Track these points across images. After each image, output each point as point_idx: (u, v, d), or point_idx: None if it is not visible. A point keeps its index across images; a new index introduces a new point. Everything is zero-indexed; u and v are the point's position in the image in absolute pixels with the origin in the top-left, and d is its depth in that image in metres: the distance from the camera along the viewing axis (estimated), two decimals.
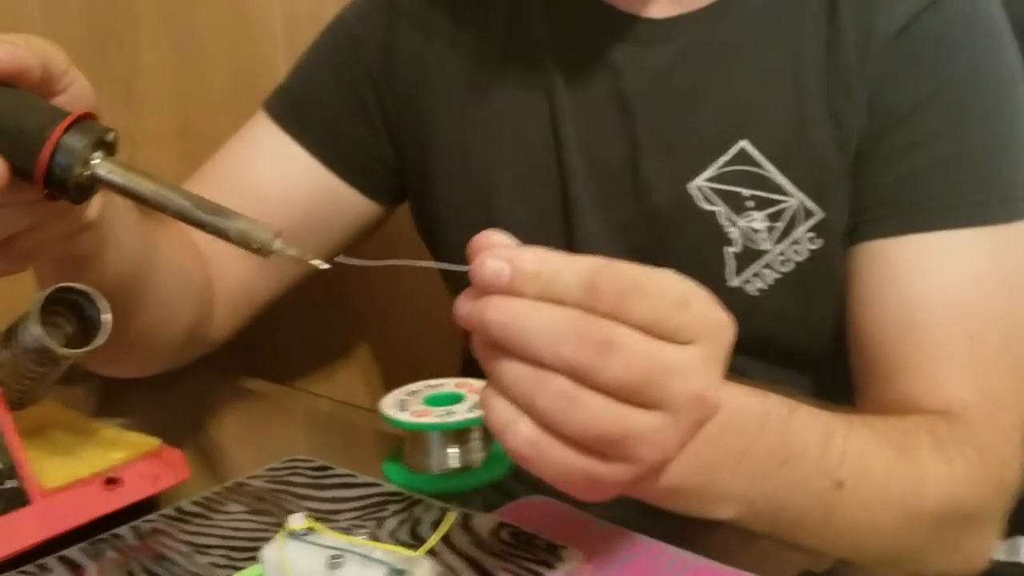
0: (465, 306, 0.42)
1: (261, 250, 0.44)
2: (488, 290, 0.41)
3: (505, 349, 0.41)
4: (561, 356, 0.40)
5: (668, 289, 0.41)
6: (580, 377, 0.40)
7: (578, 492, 0.44)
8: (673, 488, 0.47)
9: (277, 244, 0.44)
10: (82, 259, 0.56)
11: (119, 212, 0.58)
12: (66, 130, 0.44)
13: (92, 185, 0.46)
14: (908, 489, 0.56)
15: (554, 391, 0.40)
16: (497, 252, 0.41)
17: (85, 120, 0.45)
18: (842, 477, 0.53)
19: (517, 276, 0.40)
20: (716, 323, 0.42)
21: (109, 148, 0.46)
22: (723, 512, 0.51)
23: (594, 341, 0.40)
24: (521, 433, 0.41)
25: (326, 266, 0.45)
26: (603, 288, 0.40)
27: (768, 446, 0.50)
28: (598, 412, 0.40)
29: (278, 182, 0.79)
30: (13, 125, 0.44)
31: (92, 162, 0.44)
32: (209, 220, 0.45)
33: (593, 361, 0.40)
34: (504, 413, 0.41)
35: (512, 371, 0.41)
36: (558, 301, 0.40)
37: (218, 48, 0.99)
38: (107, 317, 0.54)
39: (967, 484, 0.59)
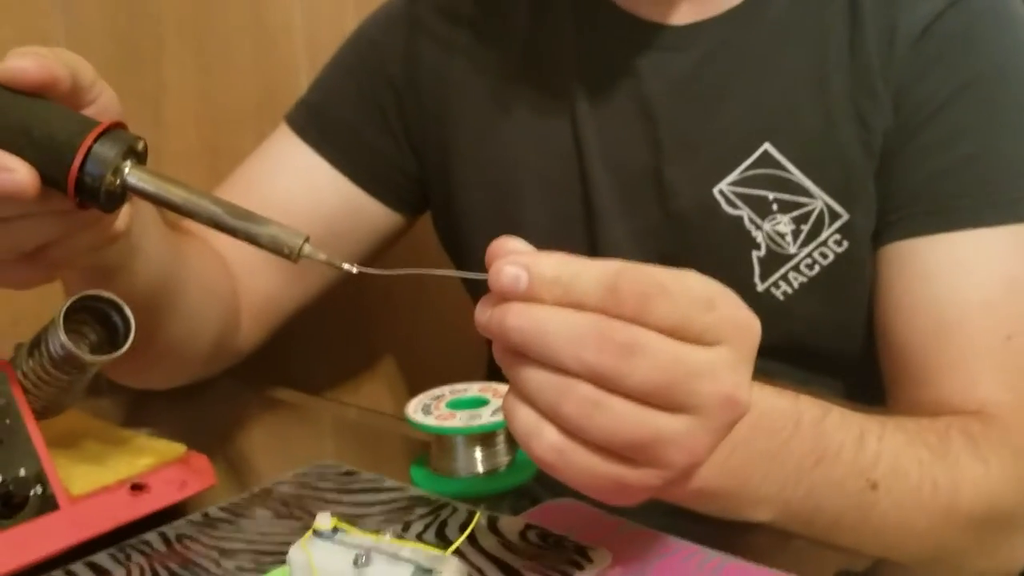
0: (484, 314, 0.41)
1: (291, 255, 0.44)
2: (507, 297, 0.40)
3: (527, 356, 0.40)
4: (584, 362, 0.39)
5: (692, 290, 0.40)
6: (604, 382, 0.39)
7: (606, 497, 0.43)
8: (706, 491, 0.46)
9: (307, 249, 0.44)
10: (110, 270, 0.57)
11: (147, 224, 0.58)
12: (96, 139, 0.44)
13: (123, 193, 0.46)
14: (943, 490, 0.55)
15: (578, 397, 0.39)
16: (514, 258, 0.40)
17: (115, 129, 0.45)
18: (877, 478, 0.53)
19: (535, 282, 0.40)
20: (743, 323, 0.41)
21: (139, 157, 0.46)
22: (758, 514, 0.50)
23: (617, 345, 0.39)
24: (546, 441, 0.40)
25: (355, 270, 0.45)
26: (624, 290, 0.39)
27: (801, 447, 0.49)
28: (625, 417, 0.39)
29: (301, 195, 0.80)
30: (44, 135, 0.44)
31: (123, 170, 0.45)
32: (240, 226, 0.45)
33: (617, 366, 0.39)
34: (528, 421, 0.41)
35: (535, 378, 0.40)
36: (578, 306, 0.40)
37: (242, 67, 1.00)
38: (132, 324, 0.54)
39: (1003, 485, 0.58)
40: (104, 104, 0.49)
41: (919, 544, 0.56)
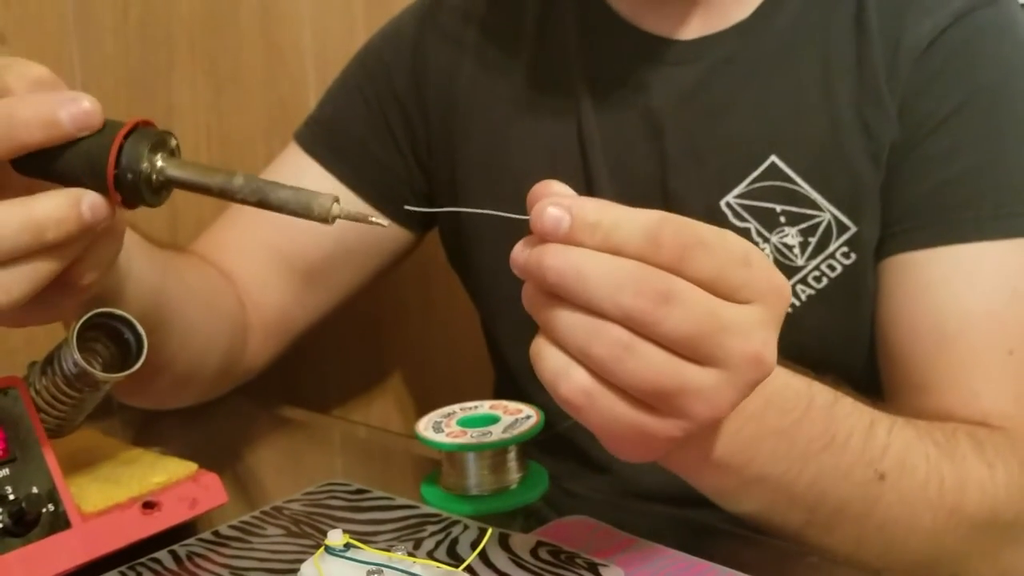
0: (523, 254, 0.41)
1: (325, 218, 0.43)
2: (547, 238, 0.40)
3: (561, 298, 0.40)
4: (620, 305, 0.39)
5: (731, 246, 0.41)
6: (637, 327, 0.39)
7: (627, 448, 0.43)
8: (714, 461, 0.46)
9: (336, 208, 0.43)
10: (103, 298, 0.57)
11: (130, 247, 0.58)
12: (126, 137, 0.45)
13: (163, 184, 0.46)
14: (950, 488, 0.56)
15: (611, 339, 0.39)
16: (557, 200, 0.40)
17: (142, 126, 0.46)
18: (884, 469, 0.53)
19: (577, 224, 0.40)
20: (776, 284, 0.42)
21: (168, 147, 0.46)
22: (758, 496, 0.50)
23: (654, 291, 0.39)
24: (575, 381, 0.41)
25: (386, 223, 0.44)
26: (665, 240, 0.39)
27: (811, 429, 0.49)
28: (654, 363, 0.40)
29: None
30: (85, 155, 0.45)
31: (156, 162, 0.45)
32: (270, 199, 0.44)
33: (653, 311, 0.39)
34: (558, 362, 0.41)
35: (568, 319, 0.40)
36: (618, 252, 0.40)
37: (252, 86, 1.00)
38: (144, 341, 0.54)
39: (1007, 491, 0.58)
40: None
41: (922, 542, 0.56)
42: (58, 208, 0.43)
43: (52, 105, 0.43)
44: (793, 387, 0.49)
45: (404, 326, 1.06)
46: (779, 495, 0.50)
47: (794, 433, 0.49)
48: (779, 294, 0.42)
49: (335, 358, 1.05)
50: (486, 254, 0.79)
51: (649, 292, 0.39)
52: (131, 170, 0.44)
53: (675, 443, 0.43)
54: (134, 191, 0.44)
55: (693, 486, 0.51)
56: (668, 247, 0.39)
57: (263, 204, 0.44)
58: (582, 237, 0.40)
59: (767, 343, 0.41)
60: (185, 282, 0.68)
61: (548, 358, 0.41)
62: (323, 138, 0.82)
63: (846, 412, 0.52)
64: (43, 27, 0.86)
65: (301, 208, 0.43)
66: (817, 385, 0.51)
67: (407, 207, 0.46)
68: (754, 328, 0.41)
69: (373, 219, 0.44)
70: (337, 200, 0.43)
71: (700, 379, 0.40)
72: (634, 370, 0.40)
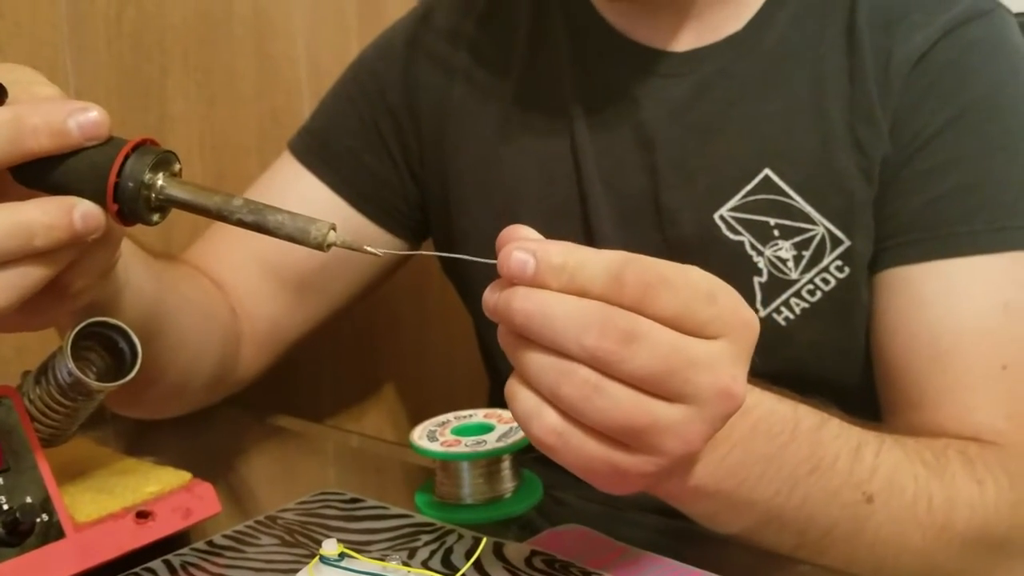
0: (492, 297, 0.42)
1: (320, 245, 0.44)
2: (514, 281, 0.41)
3: (530, 340, 0.41)
4: (585, 346, 0.40)
5: (694, 283, 0.41)
6: (604, 367, 0.40)
7: (602, 483, 0.44)
8: (701, 489, 0.47)
9: (332, 236, 0.44)
10: (100, 307, 0.57)
11: (128, 256, 0.58)
12: (128, 155, 0.45)
13: (162, 204, 0.46)
14: (939, 507, 0.56)
15: (579, 380, 0.40)
16: (523, 244, 0.41)
17: (145, 144, 0.46)
18: (872, 491, 0.53)
19: (542, 267, 0.41)
20: (745, 319, 0.43)
21: (171, 167, 0.47)
22: (747, 520, 0.50)
23: (618, 331, 0.40)
24: (546, 422, 0.41)
25: (380, 252, 0.45)
26: (628, 280, 0.40)
27: (798, 453, 0.50)
28: (622, 402, 0.40)
29: None
30: (88, 165, 0.45)
31: (157, 181, 0.45)
32: (265, 222, 0.45)
33: (618, 351, 0.40)
34: (529, 402, 0.42)
35: (537, 361, 0.41)
36: (583, 293, 0.41)
37: (246, 96, 1.00)
38: (139, 350, 0.54)
39: (997, 508, 0.58)
40: None
41: (912, 561, 0.56)
42: (48, 214, 0.43)
43: (62, 113, 0.43)
44: (779, 412, 0.49)
45: (398, 335, 1.06)
46: (768, 519, 0.50)
47: (781, 458, 0.49)
48: (747, 327, 0.42)
49: (329, 367, 1.04)
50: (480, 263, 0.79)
51: (613, 332, 0.40)
52: (132, 181, 0.44)
53: (652, 477, 0.43)
54: (133, 205, 0.45)
55: (682, 511, 0.52)
56: (631, 286, 0.40)
57: (260, 227, 0.44)
58: (548, 279, 0.41)
59: (736, 377, 0.42)
60: (180, 292, 0.68)
61: (520, 399, 0.42)
62: (316, 148, 0.82)
63: (833, 435, 0.52)
64: (36, 36, 0.86)
65: (298, 233, 0.44)
66: (803, 408, 0.51)
67: (386, 251, 0.47)
68: (722, 362, 0.41)
69: (368, 248, 0.44)
70: (334, 227, 0.43)
71: (670, 415, 0.41)
72: (603, 409, 0.40)
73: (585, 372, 0.40)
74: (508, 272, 0.41)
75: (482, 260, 0.43)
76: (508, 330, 0.42)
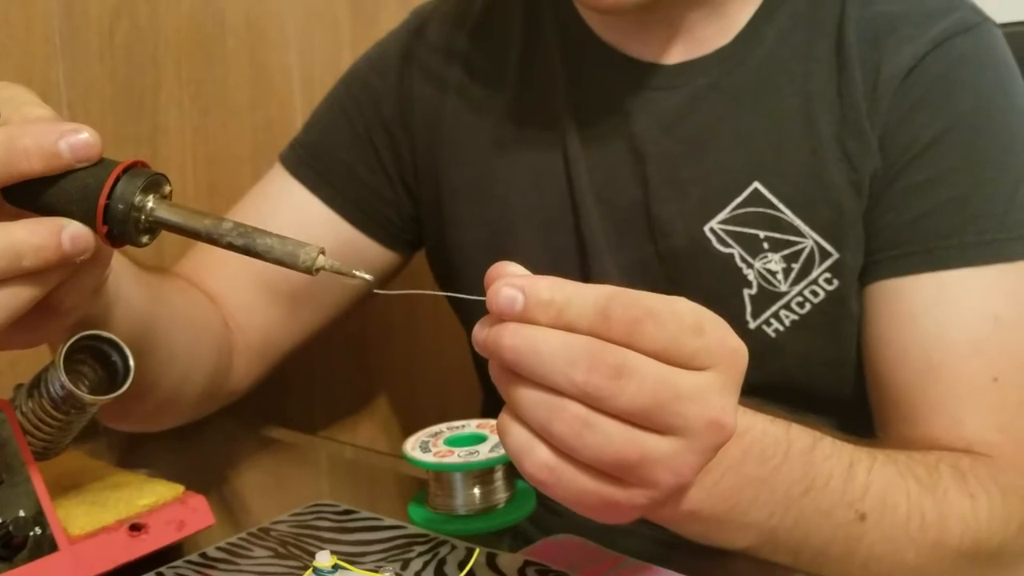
0: (481, 333, 0.42)
1: (309, 268, 0.44)
2: (503, 317, 0.41)
3: (520, 375, 0.41)
4: (574, 382, 0.40)
5: (681, 315, 0.41)
6: (594, 402, 0.40)
7: (596, 515, 0.44)
8: (695, 514, 0.47)
9: (321, 260, 0.44)
10: (91, 322, 0.57)
11: (120, 270, 0.58)
12: (119, 176, 0.45)
13: (151, 226, 0.46)
14: (931, 523, 0.56)
15: (569, 416, 0.40)
16: (511, 280, 0.42)
17: (136, 167, 0.46)
18: (865, 509, 0.53)
19: (531, 303, 0.41)
20: (731, 349, 0.43)
21: (162, 189, 0.47)
22: (742, 541, 0.50)
23: (607, 366, 0.40)
24: (538, 458, 0.42)
25: (369, 278, 0.45)
26: (614, 314, 0.40)
27: (791, 475, 0.50)
28: (613, 436, 0.41)
29: (295, 234, 0.80)
30: (78, 186, 0.45)
31: (147, 204, 0.45)
32: (255, 246, 0.45)
33: (606, 386, 0.40)
34: (521, 438, 0.42)
35: (528, 397, 0.41)
36: (571, 328, 0.41)
37: (239, 108, 1.01)
38: (132, 364, 0.54)
39: (990, 522, 0.58)
40: None
41: None
42: (37, 235, 0.43)
43: (53, 135, 0.43)
44: (771, 434, 0.50)
45: (391, 346, 1.06)
46: (762, 540, 0.50)
47: (774, 480, 0.49)
48: (735, 356, 0.43)
49: (322, 378, 1.05)
50: (472, 274, 0.79)
51: (602, 367, 0.40)
52: (122, 203, 0.44)
53: (645, 509, 0.44)
54: (122, 227, 0.45)
55: (677, 533, 0.52)
56: (618, 321, 0.40)
57: (249, 251, 0.45)
58: (536, 315, 0.41)
59: (725, 408, 0.42)
60: (172, 305, 0.68)
61: (512, 435, 0.42)
62: (308, 161, 0.82)
63: (825, 455, 0.52)
64: (29, 49, 0.86)
65: (287, 257, 0.44)
66: (795, 429, 0.51)
67: (377, 291, 0.47)
68: (711, 394, 0.41)
69: (357, 273, 0.44)
70: (323, 251, 0.44)
71: (661, 448, 0.41)
72: (594, 445, 0.41)
73: (575, 408, 0.40)
74: (497, 309, 0.41)
75: (472, 297, 0.43)
76: (499, 366, 0.42)
